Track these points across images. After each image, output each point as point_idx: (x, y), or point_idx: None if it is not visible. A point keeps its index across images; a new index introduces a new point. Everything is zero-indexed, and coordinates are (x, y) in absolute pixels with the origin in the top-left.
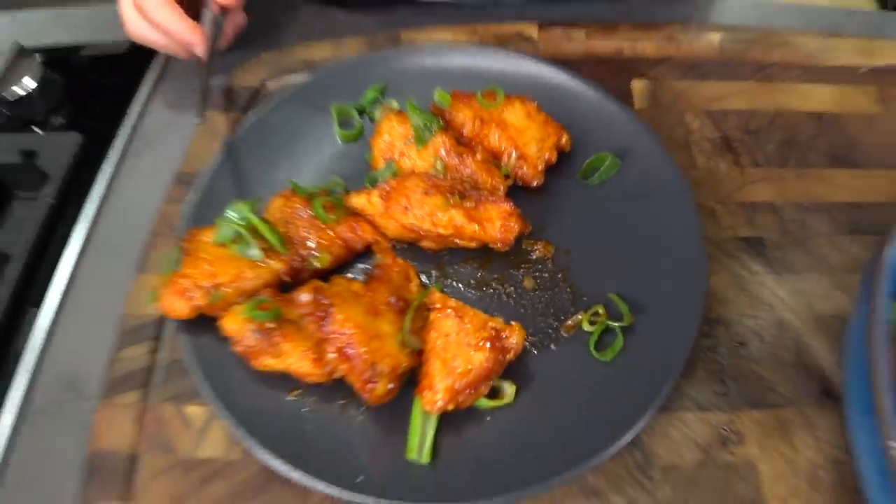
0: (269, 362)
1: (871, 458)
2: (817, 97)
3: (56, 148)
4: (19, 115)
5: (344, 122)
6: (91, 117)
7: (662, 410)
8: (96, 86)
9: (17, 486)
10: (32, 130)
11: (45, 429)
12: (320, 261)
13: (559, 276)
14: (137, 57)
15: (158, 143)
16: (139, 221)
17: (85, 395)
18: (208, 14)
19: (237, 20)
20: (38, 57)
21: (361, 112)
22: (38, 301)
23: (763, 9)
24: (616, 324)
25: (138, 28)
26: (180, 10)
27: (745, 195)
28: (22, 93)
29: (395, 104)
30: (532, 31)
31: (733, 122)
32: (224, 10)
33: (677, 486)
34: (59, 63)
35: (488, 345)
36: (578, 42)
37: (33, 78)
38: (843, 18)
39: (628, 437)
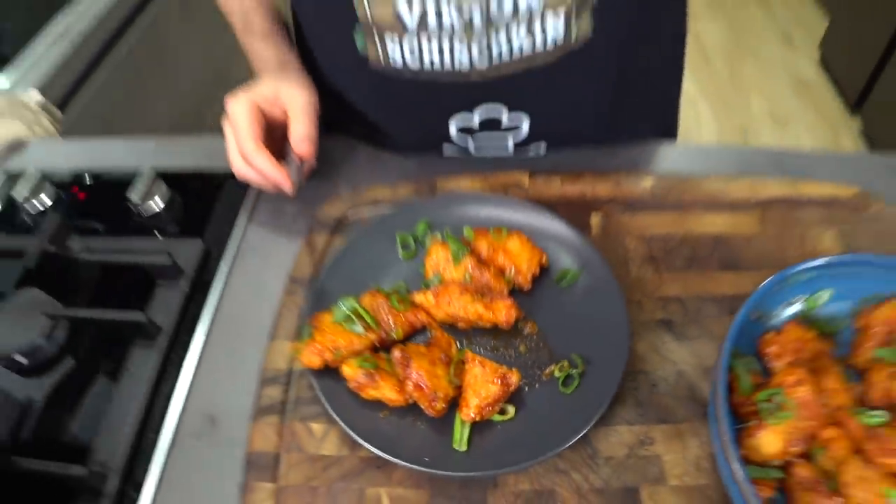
0: (371, 393)
1: (721, 458)
2: (715, 223)
3: (185, 250)
4: (150, 225)
5: (405, 246)
6: (205, 227)
7: (603, 424)
8: (207, 201)
9: (181, 485)
10: (155, 235)
11: (195, 447)
12: (396, 334)
13: (541, 343)
14: (239, 183)
15: (263, 251)
16: (257, 306)
17: (219, 426)
18: (293, 163)
19: (311, 163)
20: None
21: (416, 239)
22: (181, 359)
23: (690, 152)
24: (574, 371)
25: (240, 168)
26: (272, 158)
27: (662, 292)
28: (156, 209)
29: (439, 236)
30: (524, 179)
31: (657, 244)
32: (302, 160)
33: (613, 468)
34: (180, 182)
35: (499, 382)
36: (556, 187)
37: (162, 198)
38: (752, 156)
39: (580, 436)
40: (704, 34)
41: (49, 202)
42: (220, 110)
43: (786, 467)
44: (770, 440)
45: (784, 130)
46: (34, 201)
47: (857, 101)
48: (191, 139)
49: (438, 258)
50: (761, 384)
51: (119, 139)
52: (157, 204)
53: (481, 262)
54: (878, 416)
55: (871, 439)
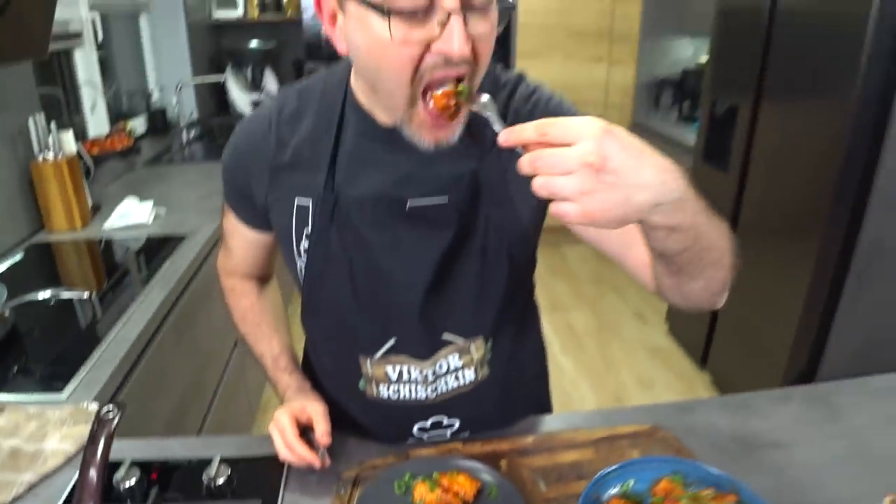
0: None
1: None
2: (570, 456)
3: None
4: (218, 492)
5: (399, 487)
6: (259, 490)
7: None
8: (256, 474)
9: None
10: (225, 499)
11: None
12: None
13: None
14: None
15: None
16: None
17: None
18: (319, 449)
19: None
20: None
21: (405, 484)
22: None
23: (554, 420)
24: None
25: (286, 455)
26: (308, 446)
27: (545, 496)
28: (220, 483)
29: (419, 478)
30: (460, 446)
31: (539, 471)
32: (324, 446)
33: None
34: (233, 462)
35: None
36: (478, 448)
37: (221, 476)
38: (588, 417)
39: None
40: (574, 322)
41: (134, 481)
42: (198, 407)
43: None
44: None
45: (650, 392)
46: (126, 481)
47: (702, 359)
48: (224, 437)
49: (421, 491)
50: None
51: (174, 438)
52: (221, 479)
53: (445, 490)
54: None
55: None
